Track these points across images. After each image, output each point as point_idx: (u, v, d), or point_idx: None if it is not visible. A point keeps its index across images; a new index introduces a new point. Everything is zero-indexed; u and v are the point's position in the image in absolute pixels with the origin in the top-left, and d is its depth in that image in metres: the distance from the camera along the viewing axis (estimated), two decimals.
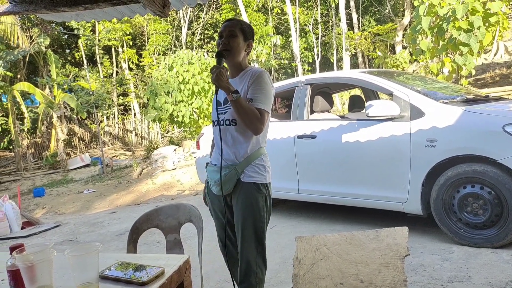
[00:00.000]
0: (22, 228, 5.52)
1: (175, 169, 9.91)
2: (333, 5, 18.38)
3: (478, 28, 6.39)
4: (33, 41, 15.73)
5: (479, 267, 2.54)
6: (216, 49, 1.87)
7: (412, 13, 12.95)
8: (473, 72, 7.61)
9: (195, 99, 10.66)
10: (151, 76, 12.96)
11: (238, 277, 1.87)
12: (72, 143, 18.16)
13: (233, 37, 1.83)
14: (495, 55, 13.02)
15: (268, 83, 1.83)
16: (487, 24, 6.86)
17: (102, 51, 19.54)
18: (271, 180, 1.94)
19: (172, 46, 20.21)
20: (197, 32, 20.85)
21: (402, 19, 17.26)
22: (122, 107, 21.19)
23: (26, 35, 15.51)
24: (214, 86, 1.75)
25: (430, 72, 8.02)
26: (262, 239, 1.86)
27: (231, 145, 1.86)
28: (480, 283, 2.34)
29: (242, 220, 1.82)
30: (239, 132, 1.84)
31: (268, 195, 1.87)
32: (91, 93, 14.41)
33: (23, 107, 14.25)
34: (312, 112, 4.23)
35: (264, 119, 1.77)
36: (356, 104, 4.45)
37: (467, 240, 2.90)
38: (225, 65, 1.85)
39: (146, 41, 20.17)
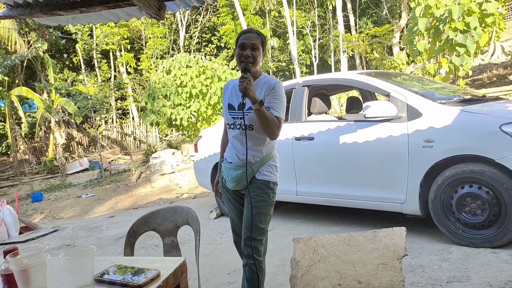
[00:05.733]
0: (20, 233, 5.49)
1: (173, 172, 9.88)
2: (330, 8, 18.44)
3: (475, 29, 6.41)
4: (30, 46, 15.73)
5: (478, 267, 2.53)
6: (233, 59, 1.96)
7: (409, 15, 13.00)
8: (470, 73, 7.62)
9: (193, 102, 10.67)
10: (149, 80, 12.96)
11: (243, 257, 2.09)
12: (71, 148, 18.13)
13: (256, 50, 1.99)
14: (492, 55, 13.04)
15: (283, 93, 2.04)
16: (483, 25, 6.88)
17: (100, 56, 19.53)
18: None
19: (170, 49, 20.22)
20: (195, 36, 20.87)
21: (399, 20, 17.33)
22: (120, 111, 21.17)
23: (24, 40, 15.50)
24: (241, 93, 1.90)
25: (427, 73, 8.03)
26: (265, 229, 2.08)
27: (249, 147, 2.05)
28: (479, 283, 2.33)
29: (253, 211, 2.01)
30: (256, 137, 2.05)
31: (275, 192, 2.12)
32: (89, 97, 14.41)
33: (21, 112, 14.22)
34: (309, 113, 4.23)
35: (281, 126, 2.00)
36: (353, 106, 4.45)
37: (466, 240, 2.89)
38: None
39: (144, 45, 20.18)
